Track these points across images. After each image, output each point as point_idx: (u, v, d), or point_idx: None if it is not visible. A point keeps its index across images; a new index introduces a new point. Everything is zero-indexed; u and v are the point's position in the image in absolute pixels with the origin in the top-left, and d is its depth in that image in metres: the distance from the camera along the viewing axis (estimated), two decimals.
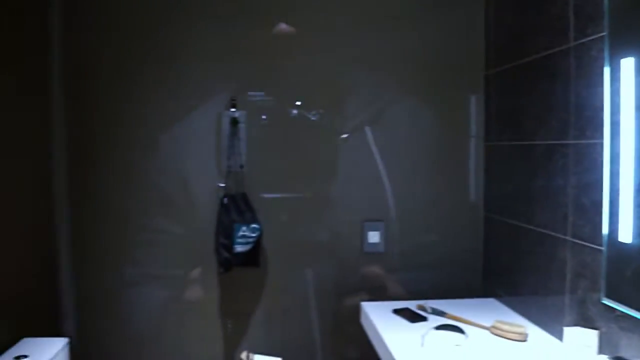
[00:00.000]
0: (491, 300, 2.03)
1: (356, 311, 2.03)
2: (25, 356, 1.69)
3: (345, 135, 2.14)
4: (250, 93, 2.09)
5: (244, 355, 2.11)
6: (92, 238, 2.10)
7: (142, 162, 2.09)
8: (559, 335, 1.54)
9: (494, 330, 1.67)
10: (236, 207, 2.04)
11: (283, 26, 2.08)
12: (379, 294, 2.13)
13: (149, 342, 2.14)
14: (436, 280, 2.16)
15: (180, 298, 2.13)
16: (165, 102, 2.07)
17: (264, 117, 2.11)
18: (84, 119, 2.07)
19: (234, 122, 2.07)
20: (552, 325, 1.62)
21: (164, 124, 2.08)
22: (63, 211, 2.08)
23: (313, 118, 2.12)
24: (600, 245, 1.35)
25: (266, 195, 2.11)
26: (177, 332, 2.14)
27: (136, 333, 2.13)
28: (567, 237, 1.53)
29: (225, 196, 2.06)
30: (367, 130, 2.14)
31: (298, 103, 2.11)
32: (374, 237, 2.19)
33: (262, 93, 2.10)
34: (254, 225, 2.02)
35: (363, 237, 2.18)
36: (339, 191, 2.14)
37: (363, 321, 1.96)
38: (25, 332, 1.90)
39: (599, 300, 1.36)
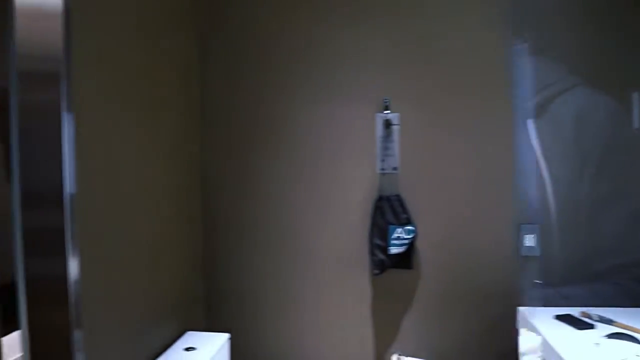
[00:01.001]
0: None
1: (511, 316, 1.95)
2: (193, 348, 1.84)
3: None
4: (402, 94, 2.08)
5: (394, 357, 2.12)
6: (247, 238, 2.23)
7: (297, 163, 2.17)
8: None
9: None
10: (391, 208, 2.05)
11: None
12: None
13: (306, 338, 2.22)
14: (598, 288, 2.01)
15: (334, 299, 2.18)
16: (319, 103, 2.13)
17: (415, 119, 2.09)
18: (243, 121, 2.20)
19: (388, 124, 2.08)
20: None
21: (318, 125, 2.15)
22: (221, 213, 2.23)
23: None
24: None
25: (419, 197, 2.09)
26: (331, 330, 2.20)
27: (293, 329, 2.23)
28: None
29: (379, 198, 2.07)
30: (529, 123, 2.02)
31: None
32: (529, 240, 2.09)
33: (415, 93, 2.08)
34: (409, 227, 2.02)
35: (519, 240, 2.08)
36: (494, 191, 2.06)
37: (521, 326, 1.88)
38: (188, 327, 2.07)
39: None
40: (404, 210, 2.05)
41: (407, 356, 2.15)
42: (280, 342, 2.25)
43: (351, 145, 2.13)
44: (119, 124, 1.55)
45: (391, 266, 2.06)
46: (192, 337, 1.97)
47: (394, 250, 2.02)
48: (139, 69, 1.66)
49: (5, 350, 0.99)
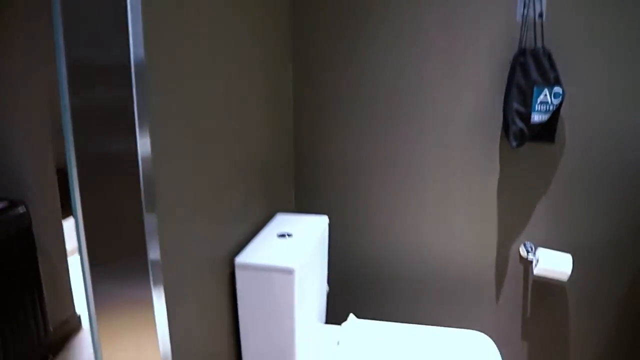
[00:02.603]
0: None
1: None
2: (289, 235, 1.47)
3: None
4: None
5: (523, 248, 1.77)
6: (341, 112, 1.81)
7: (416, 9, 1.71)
8: None
9: None
10: (537, 65, 1.61)
11: None
12: None
13: (412, 229, 1.87)
14: None
15: (452, 177, 1.80)
16: None
17: None
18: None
19: None
20: None
21: None
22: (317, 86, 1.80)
23: None
24: None
25: (569, 52, 1.65)
26: (443, 214, 1.85)
27: (399, 217, 1.87)
28: None
29: (521, 52, 1.63)
30: None
31: None
32: None
33: None
34: (556, 89, 1.60)
35: None
36: None
37: None
38: (278, 207, 1.71)
39: None
40: (552, 67, 1.62)
41: (538, 247, 1.81)
42: (384, 231, 1.90)
43: None
44: None
45: (530, 138, 1.66)
46: (284, 221, 1.61)
47: (537, 117, 1.61)
48: None
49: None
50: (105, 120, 0.82)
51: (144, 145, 0.85)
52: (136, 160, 0.83)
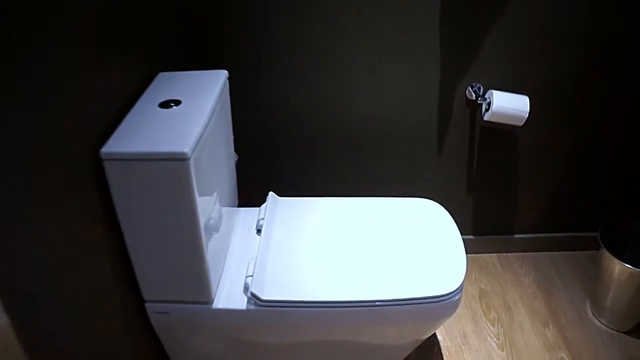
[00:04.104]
0: None
1: None
2: (177, 102, 1.06)
3: None
4: None
5: (470, 90, 1.48)
6: None
7: None
8: None
9: None
10: None
11: None
12: None
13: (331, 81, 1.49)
14: None
15: (379, 16, 1.39)
16: None
17: None
18: None
19: None
20: None
21: None
22: None
23: None
24: None
25: None
26: (374, 62, 1.47)
27: (310, 61, 1.47)
28: None
29: None
30: None
31: None
32: None
33: None
34: None
35: None
36: None
37: None
38: (159, 67, 1.26)
39: None
40: None
41: (485, 88, 1.52)
42: (303, 84, 1.51)
43: None
44: None
45: None
46: (167, 83, 1.16)
47: None
48: None
49: None
50: None
51: None
52: None
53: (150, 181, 0.92)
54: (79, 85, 0.85)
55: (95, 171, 0.91)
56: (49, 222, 0.76)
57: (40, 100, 0.73)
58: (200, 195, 0.97)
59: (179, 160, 0.90)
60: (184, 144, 0.90)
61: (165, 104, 1.05)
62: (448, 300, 1.13)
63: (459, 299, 1.16)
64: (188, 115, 1.01)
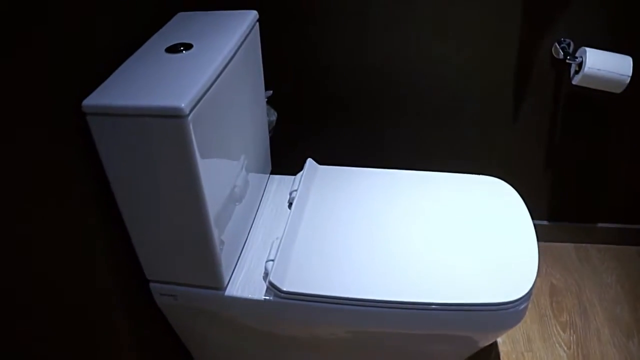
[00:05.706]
0: None
1: None
2: (188, 45, 0.84)
3: None
4: None
5: (557, 47, 1.19)
6: None
7: None
8: None
9: None
10: None
11: None
12: None
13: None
14: None
15: None
16: None
17: None
18: None
19: None
20: None
21: None
22: None
23: None
24: None
25: None
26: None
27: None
28: None
29: None
30: None
31: None
32: None
33: None
34: None
35: None
36: None
37: None
38: (181, 5, 1.07)
39: None
40: None
41: (576, 45, 1.22)
42: (353, 30, 1.27)
43: None
44: None
45: None
46: (186, 24, 0.97)
47: None
48: None
49: None
50: None
51: None
52: None
53: (142, 143, 0.75)
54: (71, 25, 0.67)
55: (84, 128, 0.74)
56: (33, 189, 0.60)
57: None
58: (208, 160, 0.78)
59: (173, 117, 0.71)
60: (181, 97, 0.71)
61: (174, 49, 0.86)
62: (512, 310, 0.90)
63: (524, 308, 0.93)
64: (196, 62, 0.81)
